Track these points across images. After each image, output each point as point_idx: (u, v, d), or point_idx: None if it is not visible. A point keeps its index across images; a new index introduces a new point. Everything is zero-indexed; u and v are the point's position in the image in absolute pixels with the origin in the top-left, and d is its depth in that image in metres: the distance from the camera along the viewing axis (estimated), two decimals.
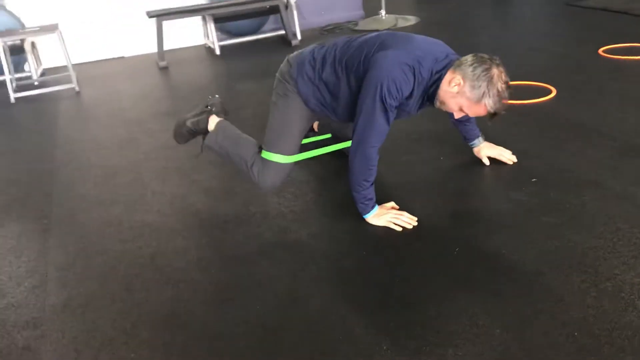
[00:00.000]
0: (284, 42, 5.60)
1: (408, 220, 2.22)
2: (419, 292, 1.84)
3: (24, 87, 4.87)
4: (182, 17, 5.31)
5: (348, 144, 2.67)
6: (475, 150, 2.64)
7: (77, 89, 4.67)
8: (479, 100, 2.01)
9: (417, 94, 2.13)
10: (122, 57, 5.84)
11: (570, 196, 2.31)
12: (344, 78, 2.24)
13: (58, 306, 1.95)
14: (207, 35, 5.80)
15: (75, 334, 1.81)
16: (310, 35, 5.84)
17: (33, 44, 5.28)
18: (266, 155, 2.40)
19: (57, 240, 2.39)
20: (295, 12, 5.67)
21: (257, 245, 2.20)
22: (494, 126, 3.03)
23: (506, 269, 1.91)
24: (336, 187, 2.60)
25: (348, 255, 2.09)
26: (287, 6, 5.61)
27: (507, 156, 2.61)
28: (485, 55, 2.07)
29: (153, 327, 1.81)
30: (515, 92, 3.47)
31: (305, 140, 2.70)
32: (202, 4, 5.34)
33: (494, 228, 2.16)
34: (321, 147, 2.78)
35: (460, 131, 2.61)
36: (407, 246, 2.10)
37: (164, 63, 5.22)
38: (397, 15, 6.10)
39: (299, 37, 5.71)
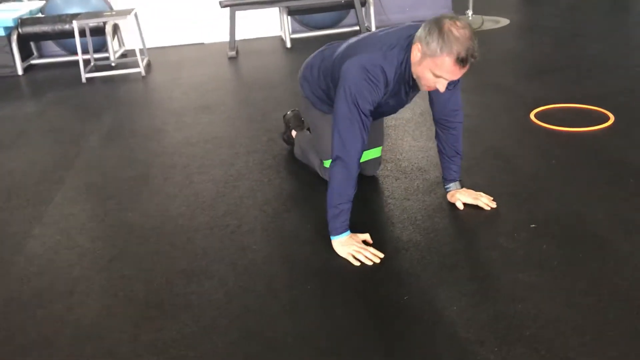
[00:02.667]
0: None
1: (370, 257, 2.04)
2: (343, 342, 1.68)
3: (102, 67, 5.13)
4: (255, 8, 5.31)
5: (374, 152, 2.60)
6: (450, 194, 2.38)
7: (143, 73, 4.84)
8: (439, 53, 1.86)
9: (393, 85, 2.06)
10: (202, 44, 5.97)
11: (564, 252, 2.00)
12: (332, 87, 2.25)
13: (17, 296, 2.01)
14: (282, 27, 5.76)
15: (8, 327, 1.85)
16: None
17: (116, 27, 5.54)
18: (324, 163, 2.54)
19: (42, 229, 2.46)
20: (372, 8, 5.47)
21: (209, 261, 2.12)
22: (525, 154, 2.76)
23: (447, 331, 1.68)
24: (321, 206, 2.45)
25: (291, 287, 1.95)
26: (364, 2, 5.42)
27: (484, 201, 2.32)
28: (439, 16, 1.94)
29: (70, 337, 1.79)
30: (566, 117, 3.15)
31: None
32: None
33: (460, 278, 1.92)
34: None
35: (442, 167, 2.39)
36: (357, 285, 1.92)
37: (233, 53, 5.26)
38: (485, 16, 5.70)
39: None
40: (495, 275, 1.92)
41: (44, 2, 5.57)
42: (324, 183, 2.58)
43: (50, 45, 5.70)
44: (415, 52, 1.95)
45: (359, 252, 2.05)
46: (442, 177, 2.41)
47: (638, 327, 1.63)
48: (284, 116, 3.03)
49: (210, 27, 5.90)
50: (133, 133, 3.53)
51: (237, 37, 5.60)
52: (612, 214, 2.20)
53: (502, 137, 2.99)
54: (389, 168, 2.74)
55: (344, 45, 2.22)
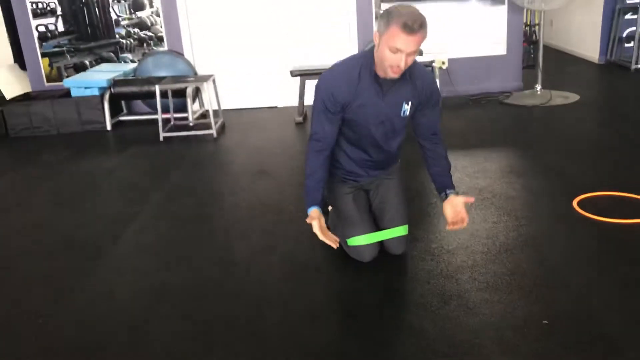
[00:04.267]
0: None
1: (325, 241, 2.42)
2: None
3: (180, 127, 5.55)
4: None
5: (399, 231, 2.69)
6: (445, 202, 2.57)
7: (215, 135, 5.19)
8: (389, 26, 2.19)
9: (362, 81, 2.37)
10: (276, 107, 6.30)
11: (569, 353, 1.96)
12: None
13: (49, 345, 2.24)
14: None
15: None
16: (452, 103, 5.70)
17: (198, 89, 5.99)
18: (347, 241, 2.68)
19: (88, 283, 2.71)
20: (437, 81, 5.58)
21: (226, 328, 2.26)
22: (557, 244, 2.74)
23: None
24: (340, 283, 2.55)
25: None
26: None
27: (457, 226, 2.51)
28: None
29: None
30: (611, 207, 3.06)
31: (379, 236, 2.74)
32: None
33: None
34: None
35: (436, 182, 2.63)
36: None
37: (300, 119, 5.52)
38: (554, 91, 5.66)
39: None
40: None
41: (137, 64, 6.13)
42: (350, 260, 2.69)
43: (139, 104, 6.24)
44: (375, 40, 2.28)
45: (317, 233, 2.44)
46: (437, 189, 2.63)
47: None
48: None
49: (284, 91, 6.23)
50: (192, 194, 3.80)
51: (308, 102, 5.88)
52: (632, 317, 2.14)
53: (538, 224, 2.97)
54: (418, 248, 2.79)
55: None
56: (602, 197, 3.20)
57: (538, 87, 5.70)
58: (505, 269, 2.54)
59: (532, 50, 7.45)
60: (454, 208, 2.52)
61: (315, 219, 2.44)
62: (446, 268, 2.60)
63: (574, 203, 3.13)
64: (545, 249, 2.71)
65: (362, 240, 2.61)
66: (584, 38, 7.66)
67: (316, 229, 2.43)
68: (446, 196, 2.56)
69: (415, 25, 2.15)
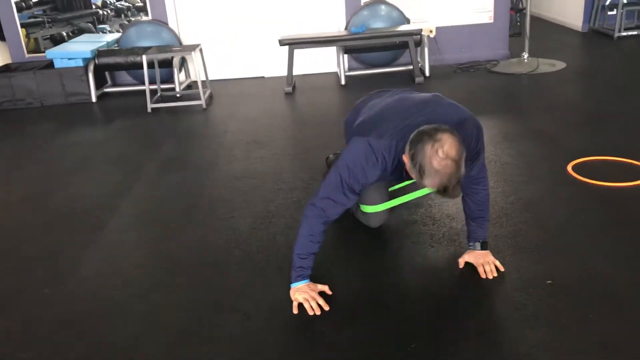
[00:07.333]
0: (410, 78, 5.54)
1: (314, 307, 2.14)
2: None
3: (167, 98, 5.47)
4: (312, 47, 5.53)
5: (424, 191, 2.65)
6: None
7: (204, 106, 5.13)
8: (420, 179, 1.90)
9: (393, 170, 2.11)
10: (263, 77, 6.25)
11: (576, 311, 2.03)
12: None
13: (64, 316, 2.24)
14: (338, 64, 5.96)
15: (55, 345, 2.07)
16: (440, 72, 5.70)
17: (184, 60, 5.90)
18: (361, 207, 2.63)
19: (94, 254, 2.70)
20: (426, 49, 5.58)
21: (236, 296, 2.29)
22: (555, 207, 2.79)
23: None
24: (345, 247, 2.58)
25: (306, 327, 2.08)
26: (419, 42, 5.54)
27: (487, 269, 2.29)
28: (429, 128, 1.89)
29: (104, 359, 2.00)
30: (605, 171, 3.13)
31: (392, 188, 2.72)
32: (332, 35, 5.51)
33: (468, 331, 1.98)
34: (406, 194, 2.72)
35: (468, 230, 2.40)
36: (359, 329, 2.03)
37: (289, 89, 5.49)
38: (541, 59, 5.70)
39: (427, 74, 5.61)
40: (502, 329, 1.98)
41: (120, 34, 6.00)
42: (356, 226, 2.71)
43: (123, 75, 6.13)
44: (405, 160, 1.95)
45: (307, 300, 2.16)
46: (467, 236, 2.42)
47: None
48: (327, 159, 3.18)
49: (271, 61, 6.17)
50: (187, 165, 3.78)
51: (296, 72, 5.84)
52: (635, 276, 2.21)
53: (535, 188, 3.02)
54: (418, 213, 2.83)
55: (362, 116, 2.31)
56: (596, 161, 3.26)
57: (525, 55, 5.73)
58: (506, 232, 2.59)
59: (519, 18, 7.47)
60: (475, 255, 2.35)
61: (315, 289, 2.20)
62: (448, 232, 2.64)
63: (569, 167, 3.19)
64: (544, 212, 2.76)
65: (375, 208, 2.61)
66: (567, 6, 7.69)
67: (313, 299, 2.15)
68: (473, 247, 2.38)
69: (451, 186, 1.86)
